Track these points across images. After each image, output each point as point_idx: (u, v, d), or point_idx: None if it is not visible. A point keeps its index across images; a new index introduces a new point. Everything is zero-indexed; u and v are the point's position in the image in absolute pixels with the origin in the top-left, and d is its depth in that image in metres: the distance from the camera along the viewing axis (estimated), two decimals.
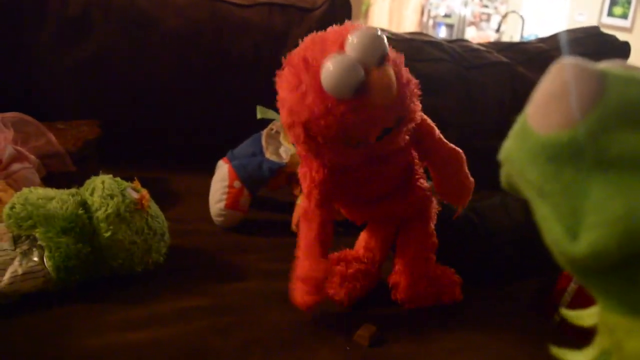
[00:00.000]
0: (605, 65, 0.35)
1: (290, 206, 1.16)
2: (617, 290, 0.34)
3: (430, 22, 5.51)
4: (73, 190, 0.88)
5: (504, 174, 0.39)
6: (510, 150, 0.36)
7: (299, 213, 1.09)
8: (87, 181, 0.90)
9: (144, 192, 0.90)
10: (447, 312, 0.88)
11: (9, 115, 1.09)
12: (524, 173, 0.35)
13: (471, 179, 0.84)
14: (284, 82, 0.72)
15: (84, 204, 0.85)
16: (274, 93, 0.74)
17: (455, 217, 0.88)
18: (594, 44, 1.61)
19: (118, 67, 1.42)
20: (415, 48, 1.51)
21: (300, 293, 0.81)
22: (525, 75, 1.54)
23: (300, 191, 1.12)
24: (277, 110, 0.75)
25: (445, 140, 0.83)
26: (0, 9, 1.36)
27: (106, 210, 0.84)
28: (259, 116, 1.17)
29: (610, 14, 4.44)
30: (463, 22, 5.45)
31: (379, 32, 0.70)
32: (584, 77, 0.33)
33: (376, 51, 0.68)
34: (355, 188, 0.82)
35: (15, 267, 0.78)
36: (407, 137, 0.75)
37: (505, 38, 4.98)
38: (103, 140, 1.29)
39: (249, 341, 0.76)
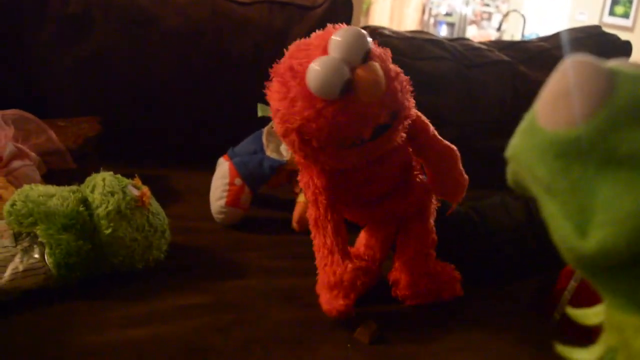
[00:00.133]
0: (614, 63, 0.34)
1: (291, 204, 1.15)
2: (626, 288, 0.34)
3: (431, 20, 5.51)
4: (74, 187, 0.88)
5: (511, 171, 0.39)
6: (518, 147, 0.36)
7: (299, 211, 1.09)
8: (88, 178, 0.90)
9: (145, 189, 0.90)
10: (448, 311, 0.88)
11: (10, 112, 1.09)
12: (531, 170, 0.35)
13: (465, 176, 0.84)
14: (274, 93, 0.72)
15: (84, 201, 0.85)
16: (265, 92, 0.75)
17: (448, 214, 0.88)
18: (595, 43, 1.61)
19: (118, 65, 1.42)
20: (417, 46, 1.51)
21: (330, 301, 0.80)
22: (527, 74, 1.54)
23: (302, 189, 1.12)
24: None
25: (440, 137, 0.83)
26: (0, 8, 1.36)
27: (107, 207, 0.84)
28: (259, 114, 1.17)
29: (612, 13, 4.44)
30: (464, 21, 5.45)
31: (361, 30, 0.70)
32: (594, 74, 0.33)
33: (359, 49, 0.69)
34: (356, 189, 0.82)
35: (16, 264, 0.78)
36: (404, 134, 0.75)
37: (506, 37, 4.98)
38: (104, 137, 1.29)
39: (250, 339, 0.76)
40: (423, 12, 5.42)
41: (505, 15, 4.94)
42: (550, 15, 4.98)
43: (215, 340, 0.75)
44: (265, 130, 1.20)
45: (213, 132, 1.47)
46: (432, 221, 0.89)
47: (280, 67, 0.72)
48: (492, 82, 1.51)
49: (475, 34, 5.42)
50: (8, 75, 1.40)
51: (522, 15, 4.54)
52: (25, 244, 0.81)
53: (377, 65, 0.69)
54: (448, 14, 5.54)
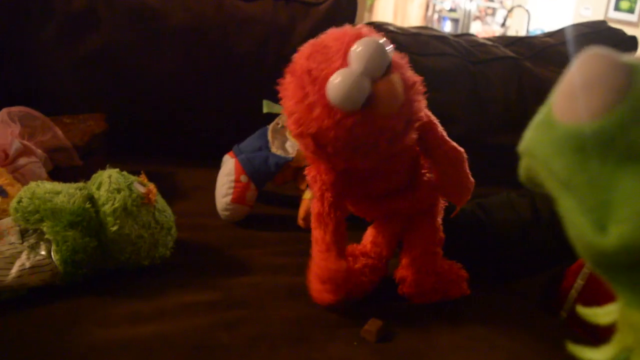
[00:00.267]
0: (630, 57, 0.34)
1: (296, 200, 1.16)
2: None
3: (435, 16, 5.50)
4: (80, 184, 0.88)
5: (524, 166, 0.38)
6: (532, 141, 0.36)
7: (305, 207, 1.09)
8: (94, 175, 0.90)
9: (151, 186, 0.90)
10: (454, 308, 0.88)
11: (16, 109, 1.09)
12: (547, 164, 0.34)
13: (471, 179, 0.84)
14: (289, 92, 0.72)
15: (90, 198, 0.85)
16: (279, 89, 0.74)
17: (452, 216, 0.88)
18: (601, 38, 1.60)
19: (124, 61, 1.42)
20: (422, 42, 1.51)
21: (320, 293, 0.81)
22: (532, 70, 1.53)
23: (307, 185, 1.12)
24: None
25: (448, 138, 0.83)
26: (6, 4, 1.36)
27: (113, 204, 0.84)
28: (265, 110, 1.17)
29: (617, 8, 4.42)
30: (468, 17, 5.43)
31: (383, 42, 0.70)
32: (614, 67, 0.32)
33: (381, 62, 0.69)
34: (363, 185, 0.82)
35: (23, 261, 0.78)
36: (415, 136, 0.75)
37: (511, 32, 4.96)
38: (110, 134, 1.29)
39: (256, 336, 0.76)
40: (427, 8, 5.41)
41: (510, 10, 4.93)
42: (554, 11, 4.97)
43: (221, 337, 0.75)
44: (270, 127, 1.20)
45: (218, 128, 1.47)
46: (439, 219, 0.89)
47: (297, 68, 0.71)
48: (497, 78, 1.51)
49: (479, 30, 5.41)
50: (14, 72, 1.40)
51: (527, 11, 4.52)
52: (32, 240, 0.82)
53: (397, 78, 0.69)
54: (452, 10, 5.53)
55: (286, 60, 0.73)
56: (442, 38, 1.56)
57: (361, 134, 0.69)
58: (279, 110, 1.16)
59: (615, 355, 0.36)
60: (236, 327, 0.78)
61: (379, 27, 1.52)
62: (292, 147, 1.16)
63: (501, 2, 5.50)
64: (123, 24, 1.41)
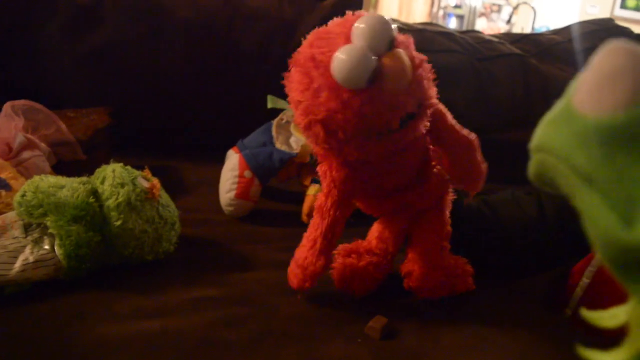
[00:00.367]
0: None
1: (300, 196, 1.15)
2: None
3: (440, 12, 5.48)
4: (84, 178, 0.88)
5: (535, 163, 0.37)
6: (549, 136, 0.35)
7: (309, 203, 1.09)
8: (98, 170, 0.89)
9: (155, 181, 0.90)
10: (458, 305, 0.88)
11: (20, 103, 1.09)
12: (568, 159, 0.33)
13: (484, 164, 0.83)
14: (294, 83, 0.70)
15: (94, 193, 0.85)
16: (284, 84, 0.73)
17: (466, 203, 0.87)
18: (608, 36, 1.59)
19: (129, 56, 1.42)
20: (427, 39, 1.50)
21: (293, 274, 0.83)
22: (538, 68, 1.52)
23: (311, 181, 1.12)
24: (287, 100, 0.75)
25: (459, 126, 0.81)
26: None
27: (117, 199, 0.84)
28: (269, 105, 1.17)
29: (624, 6, 4.40)
30: (473, 13, 5.41)
31: (384, 17, 0.69)
32: (638, 59, 0.32)
33: (384, 36, 0.67)
34: (375, 181, 0.81)
35: (27, 255, 0.78)
36: (427, 123, 0.74)
37: (516, 30, 4.95)
38: (113, 128, 1.29)
39: (259, 332, 0.76)
40: (432, 4, 5.39)
41: (515, 7, 4.91)
42: (560, 8, 4.95)
43: (225, 333, 0.75)
44: (274, 122, 1.20)
45: (223, 123, 1.47)
46: (447, 213, 0.88)
47: (300, 57, 0.70)
48: (503, 75, 1.50)
49: (484, 27, 5.39)
50: (18, 66, 1.40)
51: (532, 8, 4.51)
52: (36, 235, 0.81)
53: (402, 52, 0.67)
54: (457, 6, 5.51)
55: (292, 55, 0.73)
56: (447, 34, 1.55)
57: (370, 114, 0.66)
58: (283, 106, 1.15)
59: (629, 358, 0.35)
60: (240, 323, 0.77)
61: None
62: (296, 142, 1.16)
63: None
64: (128, 19, 1.41)
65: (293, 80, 0.71)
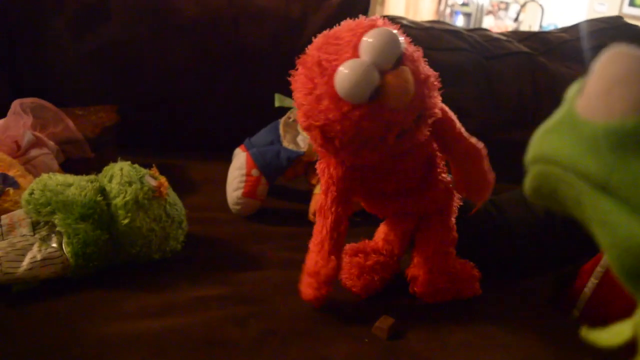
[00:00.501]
0: None
1: (307, 195, 1.15)
2: None
3: (448, 10, 5.46)
4: (92, 176, 0.88)
5: (535, 176, 0.36)
6: (551, 145, 0.34)
7: (316, 202, 1.09)
8: (106, 168, 0.90)
9: (163, 179, 0.90)
10: (465, 306, 0.87)
11: (28, 101, 1.09)
12: (577, 167, 0.32)
13: (492, 174, 0.82)
14: (299, 84, 0.70)
15: (102, 191, 0.85)
16: (290, 81, 0.73)
17: (471, 214, 0.87)
18: (617, 34, 1.59)
19: (135, 54, 1.42)
20: (435, 37, 1.50)
21: (307, 286, 0.81)
22: (546, 66, 1.52)
23: (318, 180, 1.12)
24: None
25: (467, 134, 0.81)
26: None
27: (124, 197, 0.84)
28: (276, 104, 1.17)
29: (632, 3, 4.37)
30: (481, 11, 5.39)
31: (395, 33, 0.68)
32: None
33: (392, 54, 0.67)
34: (375, 183, 0.81)
35: (34, 253, 0.78)
36: (427, 132, 0.74)
37: (524, 27, 4.92)
38: (121, 126, 1.29)
39: (266, 331, 0.76)
40: (439, 1, 5.38)
41: (523, 5, 4.89)
42: (568, 6, 4.92)
43: (231, 332, 0.75)
44: (282, 120, 1.20)
45: (230, 122, 1.47)
46: (453, 219, 0.88)
47: (308, 60, 0.70)
48: (511, 73, 1.50)
49: (491, 25, 5.37)
50: (26, 64, 1.40)
51: (540, 6, 4.49)
52: (44, 233, 0.82)
53: (407, 70, 0.67)
54: (464, 4, 5.49)
55: (298, 53, 0.72)
56: (455, 32, 1.55)
57: (368, 128, 0.67)
58: (290, 104, 1.15)
59: None
60: (246, 322, 0.77)
61: (392, 21, 1.50)
62: (303, 141, 1.15)
63: None
64: (135, 17, 1.41)
65: (298, 81, 0.71)
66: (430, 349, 0.76)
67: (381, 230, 0.95)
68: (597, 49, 1.61)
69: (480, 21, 5.34)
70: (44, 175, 0.85)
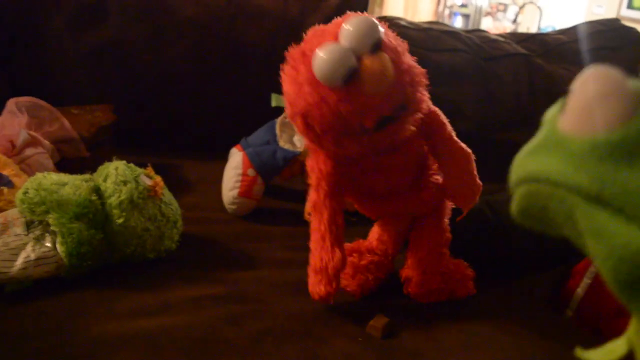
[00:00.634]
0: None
1: (303, 195, 1.15)
2: None
3: (446, 11, 5.46)
4: (86, 176, 0.88)
5: (522, 196, 0.36)
6: (538, 164, 0.34)
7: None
8: (101, 167, 0.90)
9: (158, 178, 0.90)
10: (460, 305, 0.87)
11: (24, 100, 1.09)
12: (568, 182, 0.32)
13: (479, 182, 0.82)
14: (286, 76, 0.72)
15: (97, 190, 0.85)
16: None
17: (458, 220, 0.87)
18: (615, 36, 1.59)
19: (132, 53, 1.42)
20: (433, 38, 1.50)
21: (314, 284, 0.80)
22: (544, 67, 1.52)
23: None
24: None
25: (456, 139, 0.81)
26: None
27: (119, 196, 0.84)
28: (273, 104, 1.17)
29: (630, 6, 4.37)
30: (479, 13, 5.39)
31: (372, 20, 0.69)
32: (622, 80, 0.32)
33: (368, 38, 0.68)
34: (364, 180, 0.81)
35: (28, 252, 0.78)
36: (413, 127, 0.74)
37: (522, 29, 4.93)
38: (117, 126, 1.29)
39: (261, 330, 0.76)
40: (438, 2, 5.38)
41: (522, 7, 4.89)
42: (566, 8, 4.93)
43: (226, 331, 0.75)
44: (278, 120, 1.20)
45: (226, 121, 1.47)
46: (446, 220, 0.88)
47: (294, 51, 0.72)
48: (508, 74, 1.50)
49: (490, 26, 5.37)
50: (23, 62, 1.40)
51: (539, 8, 4.49)
52: (37, 232, 0.81)
53: (385, 56, 0.67)
54: (463, 5, 5.49)
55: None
56: (453, 34, 1.55)
57: (345, 112, 0.68)
58: None
59: None
60: (241, 322, 0.77)
61: (390, 22, 1.51)
62: (299, 141, 1.15)
63: None
64: (132, 16, 1.41)
65: (285, 72, 0.73)
66: (424, 348, 0.76)
67: (375, 231, 0.95)
68: (595, 50, 1.61)
69: (479, 22, 5.35)
70: (39, 175, 0.85)
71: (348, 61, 0.66)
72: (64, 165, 1.09)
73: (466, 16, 5.47)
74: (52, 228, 0.81)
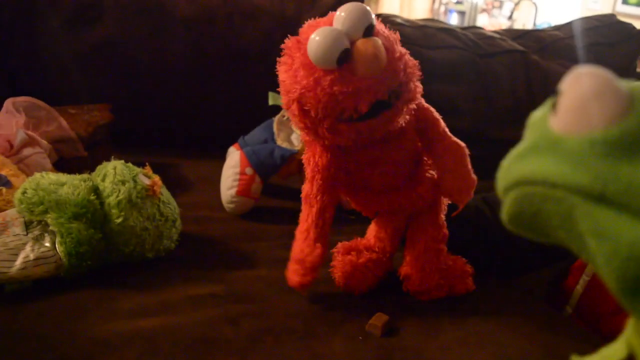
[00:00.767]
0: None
1: (301, 193, 1.15)
2: None
3: (442, 8, 5.46)
4: (85, 175, 0.88)
5: (515, 201, 0.35)
6: (532, 167, 0.34)
7: None
8: (99, 167, 0.90)
9: (156, 178, 0.90)
10: (459, 303, 0.87)
11: (21, 99, 1.09)
12: (566, 182, 0.32)
13: (474, 176, 0.82)
14: (282, 65, 0.74)
15: (95, 190, 0.85)
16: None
17: (453, 215, 0.87)
18: (611, 32, 1.59)
19: (130, 52, 1.42)
20: (429, 35, 1.50)
21: (292, 272, 0.82)
22: (540, 64, 1.52)
23: None
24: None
25: (450, 134, 0.82)
26: None
27: (118, 196, 0.84)
28: (270, 102, 1.17)
29: (625, 1, 4.38)
30: (475, 9, 5.39)
31: (364, 6, 0.71)
32: (612, 79, 0.32)
33: (360, 22, 0.69)
34: (359, 174, 0.82)
35: (27, 252, 0.78)
36: (407, 116, 0.75)
37: (518, 26, 4.93)
38: (115, 125, 1.28)
39: (260, 330, 0.76)
40: (433, 0, 5.38)
41: (517, 3, 4.89)
42: (562, 4, 4.93)
43: (225, 331, 0.75)
44: (276, 119, 1.20)
45: (223, 120, 1.47)
46: (442, 216, 0.88)
47: (289, 42, 0.74)
48: (504, 71, 1.50)
49: (486, 23, 5.37)
50: (19, 62, 1.40)
51: (534, 4, 4.50)
52: (36, 232, 0.81)
53: (378, 40, 0.69)
54: (458, 2, 5.49)
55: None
56: (449, 31, 1.55)
57: (339, 94, 0.68)
58: None
59: None
60: (240, 321, 0.77)
61: (386, 19, 1.51)
62: (297, 139, 1.16)
63: None
64: (128, 16, 1.41)
65: (281, 62, 0.74)
66: (424, 345, 0.76)
67: (372, 228, 0.95)
68: (590, 46, 1.61)
69: (475, 19, 5.35)
70: (37, 174, 0.85)
71: (341, 43, 0.68)
72: (62, 165, 1.09)
73: (462, 13, 5.46)
74: (51, 228, 0.81)
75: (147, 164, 0.93)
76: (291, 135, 1.17)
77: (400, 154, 0.81)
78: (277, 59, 0.75)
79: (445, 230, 0.89)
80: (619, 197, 0.30)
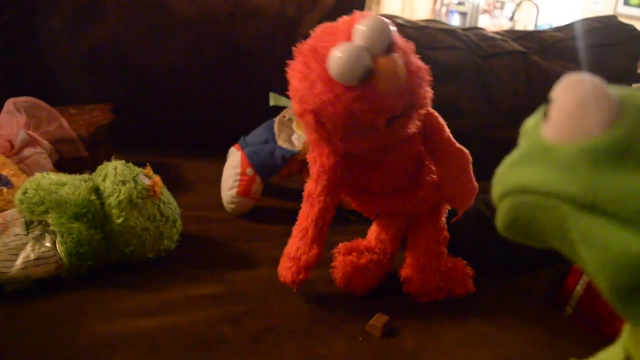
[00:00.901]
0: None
1: (301, 194, 1.15)
2: None
3: (443, 9, 5.46)
4: (85, 175, 0.88)
5: (508, 209, 0.36)
6: (524, 175, 0.34)
7: None
8: (100, 167, 0.90)
9: (157, 178, 0.90)
10: (459, 304, 0.88)
11: (22, 99, 1.09)
12: (558, 190, 0.32)
13: (475, 184, 0.83)
14: (295, 72, 0.72)
15: (96, 190, 0.85)
16: (286, 80, 0.74)
17: (453, 221, 0.87)
18: (611, 33, 1.59)
19: (131, 52, 1.42)
20: (430, 36, 1.50)
21: (285, 268, 0.83)
22: (541, 65, 1.52)
23: None
24: (289, 98, 0.75)
25: (454, 140, 0.82)
26: None
27: (118, 196, 0.84)
28: (271, 103, 1.17)
29: (627, 3, 4.38)
30: (476, 10, 5.39)
31: (385, 21, 0.70)
32: (602, 86, 0.32)
33: (383, 39, 0.68)
34: (362, 174, 0.82)
35: (28, 252, 0.78)
36: (418, 123, 0.75)
37: (519, 27, 4.93)
38: (115, 125, 1.28)
39: (260, 330, 0.76)
40: (435, 0, 5.38)
41: (518, 4, 4.89)
42: (563, 5, 4.93)
43: (226, 331, 0.75)
44: (276, 119, 1.20)
45: (224, 120, 1.47)
46: (443, 219, 0.88)
47: (304, 48, 0.72)
48: (505, 72, 1.50)
49: (487, 24, 5.37)
50: (20, 62, 1.40)
51: (536, 5, 4.49)
52: (37, 232, 0.82)
53: (398, 57, 0.68)
54: (460, 3, 5.49)
55: (293, 54, 0.74)
56: (450, 31, 1.54)
57: (359, 111, 0.68)
58: (285, 103, 1.15)
59: None
60: (241, 321, 0.77)
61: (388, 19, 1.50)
62: (298, 140, 1.15)
63: None
64: (130, 15, 1.41)
65: (294, 68, 0.72)
66: (423, 346, 0.76)
67: (373, 230, 0.95)
68: (592, 48, 1.61)
69: (476, 20, 5.34)
70: (38, 175, 0.85)
71: (364, 61, 0.67)
72: (63, 165, 1.09)
73: (463, 14, 5.46)
74: (51, 228, 0.81)
75: (147, 164, 0.93)
76: (292, 136, 1.17)
77: (403, 157, 0.81)
78: (288, 62, 0.73)
79: (446, 233, 0.89)
80: (608, 205, 0.31)
